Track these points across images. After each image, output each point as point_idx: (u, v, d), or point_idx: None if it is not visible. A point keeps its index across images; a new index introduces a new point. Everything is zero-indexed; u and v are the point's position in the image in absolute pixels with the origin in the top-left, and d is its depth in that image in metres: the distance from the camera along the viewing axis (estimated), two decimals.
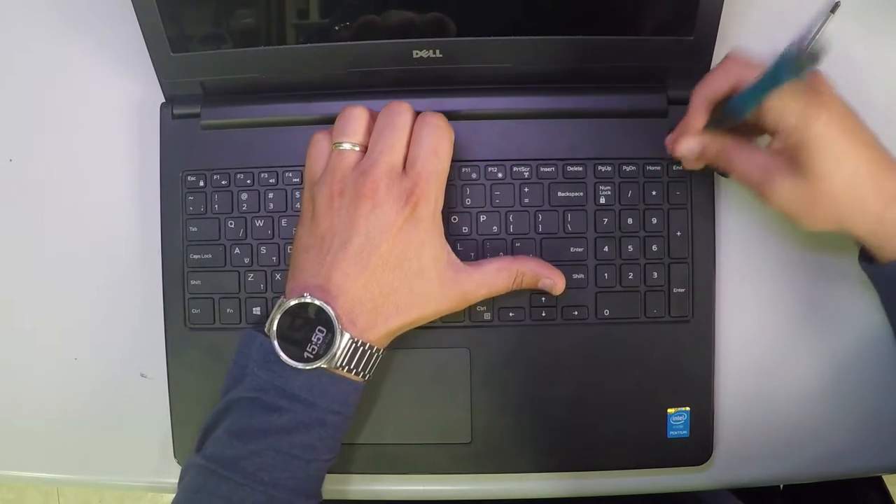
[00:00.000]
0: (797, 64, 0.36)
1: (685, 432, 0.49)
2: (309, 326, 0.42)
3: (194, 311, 0.49)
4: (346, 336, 0.42)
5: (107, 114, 0.53)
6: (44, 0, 0.53)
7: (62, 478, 0.54)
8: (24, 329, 0.53)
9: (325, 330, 0.42)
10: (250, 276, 0.49)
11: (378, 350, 0.44)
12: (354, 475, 0.51)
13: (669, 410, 0.49)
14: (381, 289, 0.43)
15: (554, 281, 0.46)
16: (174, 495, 0.43)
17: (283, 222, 0.49)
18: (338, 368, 0.42)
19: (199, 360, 0.50)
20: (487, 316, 0.49)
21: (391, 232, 0.42)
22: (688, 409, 0.49)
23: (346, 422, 0.45)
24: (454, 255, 0.45)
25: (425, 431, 0.49)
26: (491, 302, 0.49)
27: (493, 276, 0.46)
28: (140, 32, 0.46)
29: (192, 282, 0.49)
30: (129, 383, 0.53)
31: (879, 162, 0.42)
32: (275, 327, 0.42)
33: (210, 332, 0.49)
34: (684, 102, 0.48)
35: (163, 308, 0.50)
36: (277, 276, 0.49)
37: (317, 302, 0.42)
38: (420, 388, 0.49)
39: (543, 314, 0.49)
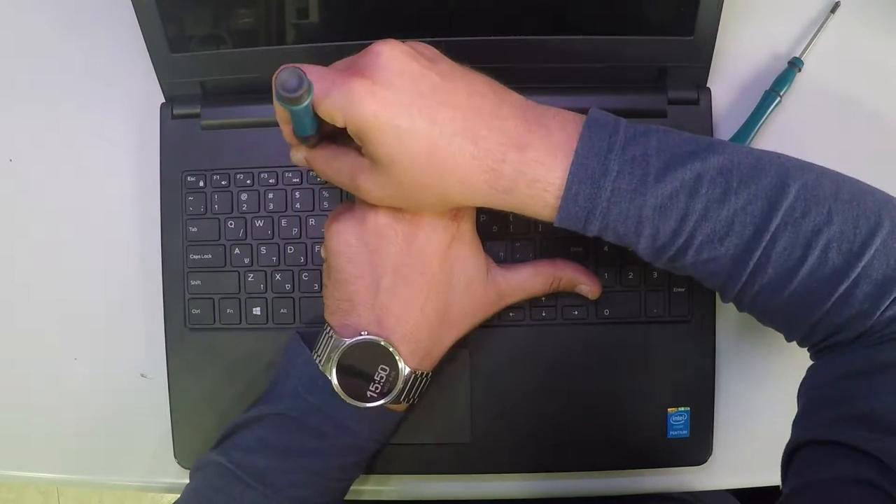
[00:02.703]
0: (288, 98, 0.34)
1: (685, 432, 0.49)
2: (369, 364, 0.41)
3: (194, 311, 0.49)
4: (408, 371, 0.41)
5: (107, 114, 0.53)
6: (44, 0, 0.53)
7: (62, 478, 0.54)
8: (24, 329, 0.53)
9: (387, 368, 0.41)
10: (250, 277, 0.49)
11: (429, 375, 0.44)
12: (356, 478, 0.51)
13: (669, 410, 0.49)
14: (436, 310, 0.42)
15: (591, 287, 0.47)
16: (186, 486, 0.44)
17: (283, 222, 0.49)
18: (393, 403, 0.42)
19: (199, 360, 0.50)
20: None
21: (441, 251, 0.42)
22: (688, 409, 0.49)
23: (382, 447, 0.45)
24: (490, 258, 0.45)
25: (425, 431, 0.49)
26: None
27: (531, 280, 0.46)
28: (140, 32, 0.46)
29: (192, 282, 0.49)
30: (129, 383, 0.53)
31: (473, 119, 0.36)
32: (334, 369, 0.41)
33: (210, 332, 0.49)
34: (684, 102, 0.48)
35: (163, 308, 0.50)
36: (277, 277, 0.49)
37: (381, 342, 0.41)
38: None
39: (543, 314, 0.49)
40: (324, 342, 0.42)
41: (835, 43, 0.51)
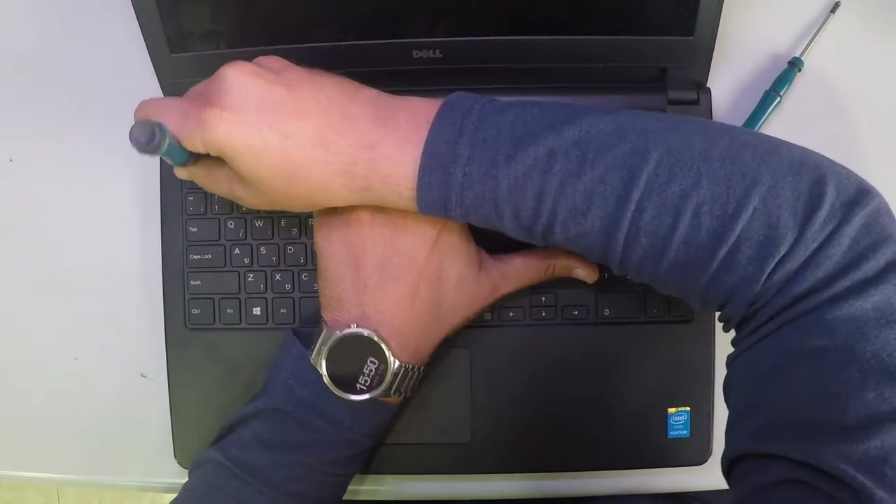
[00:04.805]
0: (145, 151, 0.35)
1: (685, 432, 0.49)
2: (357, 356, 0.41)
3: (194, 311, 0.49)
4: (397, 364, 0.41)
5: (106, 113, 0.53)
6: (44, 1, 0.53)
7: (62, 478, 0.54)
8: (24, 329, 0.53)
9: (376, 361, 0.41)
10: (250, 277, 0.49)
11: (422, 369, 0.44)
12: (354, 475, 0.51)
13: (669, 410, 0.49)
14: (425, 305, 0.42)
15: (587, 271, 0.46)
16: (184, 483, 0.44)
17: (283, 222, 0.49)
18: (384, 396, 0.42)
19: (199, 360, 0.50)
20: (487, 316, 0.49)
21: (428, 246, 0.41)
22: (688, 409, 0.49)
23: (377, 442, 0.45)
24: (483, 251, 0.45)
25: (425, 431, 0.49)
26: None
27: (524, 269, 0.45)
28: (140, 32, 0.46)
29: (192, 282, 0.49)
30: (129, 383, 0.53)
31: (322, 125, 0.37)
32: (324, 363, 0.41)
33: (210, 332, 0.49)
34: (684, 102, 0.48)
35: (163, 308, 0.50)
36: (277, 277, 0.49)
37: (366, 333, 0.41)
38: (420, 388, 0.49)
39: (543, 314, 0.49)
40: (317, 336, 0.42)
41: (835, 43, 0.51)
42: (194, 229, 0.49)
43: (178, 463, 0.50)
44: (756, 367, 0.35)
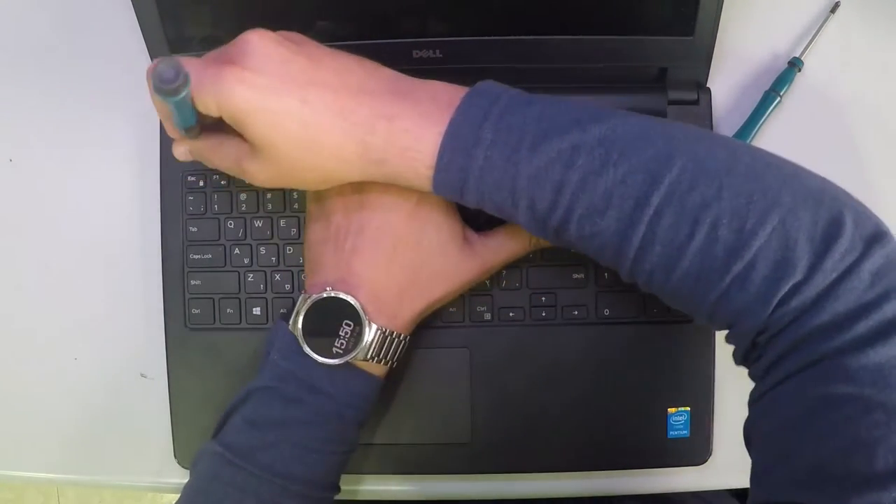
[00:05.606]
0: (166, 89, 0.33)
1: (685, 432, 0.49)
2: (335, 320, 0.41)
3: (194, 311, 0.49)
4: (374, 327, 0.41)
5: (107, 114, 0.53)
6: (44, 1, 0.53)
7: (62, 478, 0.54)
8: (24, 329, 0.53)
9: (352, 323, 0.41)
10: (250, 277, 0.49)
11: (405, 337, 0.44)
12: (354, 475, 0.51)
13: (669, 410, 0.49)
14: (403, 271, 0.42)
15: None
16: (186, 482, 0.43)
17: (283, 222, 0.49)
18: (364, 360, 0.42)
19: (199, 360, 0.50)
20: (487, 316, 0.49)
21: (406, 211, 0.42)
22: (688, 409, 0.49)
23: (364, 416, 0.45)
24: (468, 227, 0.45)
25: (425, 431, 0.49)
26: (491, 302, 0.49)
27: (509, 241, 0.45)
28: (140, 32, 0.46)
29: (192, 282, 0.49)
30: (129, 383, 0.53)
31: (342, 95, 0.37)
32: (300, 324, 0.42)
33: (210, 332, 0.50)
34: (684, 102, 0.48)
35: (163, 308, 0.50)
36: (277, 277, 0.49)
37: (341, 295, 0.41)
38: (420, 388, 0.49)
39: (543, 314, 0.49)
40: (297, 303, 0.43)
41: (835, 43, 0.51)
42: (194, 229, 0.49)
43: (179, 463, 0.50)
44: (780, 413, 0.34)
